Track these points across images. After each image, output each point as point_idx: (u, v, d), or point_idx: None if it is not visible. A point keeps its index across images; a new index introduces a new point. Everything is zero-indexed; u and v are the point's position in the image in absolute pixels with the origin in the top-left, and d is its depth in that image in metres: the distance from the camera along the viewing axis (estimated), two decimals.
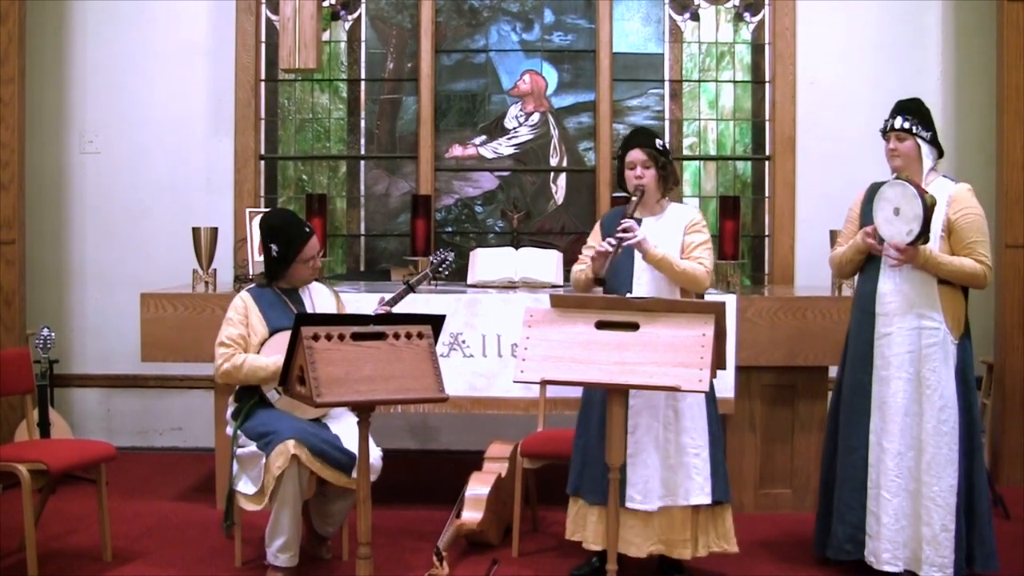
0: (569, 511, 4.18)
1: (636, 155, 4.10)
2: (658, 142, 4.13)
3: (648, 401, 4.00)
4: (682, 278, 4.02)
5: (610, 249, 3.96)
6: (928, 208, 3.87)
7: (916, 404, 4.02)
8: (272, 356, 4.07)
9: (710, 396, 4.05)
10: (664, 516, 4.00)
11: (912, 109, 4.13)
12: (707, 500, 4.00)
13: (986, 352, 5.81)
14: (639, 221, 4.11)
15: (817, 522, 4.34)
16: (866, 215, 4.19)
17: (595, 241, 4.17)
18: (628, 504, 3.97)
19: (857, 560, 4.12)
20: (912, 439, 4.03)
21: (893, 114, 4.14)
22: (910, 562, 4.03)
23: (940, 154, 4.16)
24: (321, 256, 5.06)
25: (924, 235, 3.90)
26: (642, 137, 4.17)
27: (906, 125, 4.08)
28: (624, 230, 3.97)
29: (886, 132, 4.14)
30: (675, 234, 4.11)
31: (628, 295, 3.99)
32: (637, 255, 4.06)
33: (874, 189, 4.21)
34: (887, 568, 4.03)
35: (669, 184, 4.17)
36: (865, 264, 4.18)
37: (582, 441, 4.15)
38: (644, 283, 4.07)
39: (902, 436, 4.03)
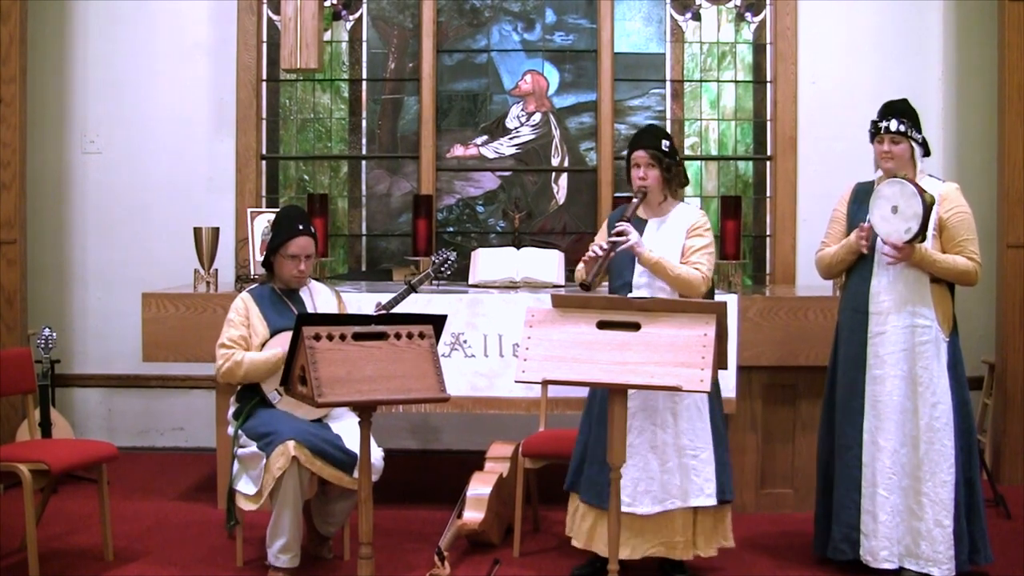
0: (569, 507, 4.17)
1: (640, 155, 4.05)
2: (664, 143, 4.05)
3: (645, 403, 3.98)
4: (676, 283, 3.96)
5: (600, 254, 3.93)
6: (928, 207, 3.88)
7: (910, 401, 4.04)
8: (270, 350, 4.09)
9: (715, 395, 4.04)
10: (662, 519, 3.97)
11: (904, 111, 4.11)
12: (710, 502, 3.96)
13: (987, 352, 5.82)
14: (644, 222, 4.09)
15: (816, 523, 4.34)
16: (853, 215, 4.19)
17: (601, 240, 4.12)
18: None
19: (854, 560, 4.12)
20: (906, 436, 4.04)
21: (885, 116, 4.10)
22: (904, 558, 4.04)
23: (926, 154, 4.16)
24: (320, 257, 5.07)
25: (922, 233, 3.91)
26: (647, 137, 4.09)
27: (901, 128, 4.06)
28: (618, 233, 3.95)
29: (877, 135, 4.12)
30: (677, 236, 4.06)
31: (628, 296, 3.98)
32: None
33: (859, 189, 4.22)
34: (884, 566, 4.04)
35: (675, 185, 4.12)
36: (855, 264, 4.17)
37: (583, 437, 4.15)
38: (644, 284, 4.04)
39: (897, 433, 4.04)
